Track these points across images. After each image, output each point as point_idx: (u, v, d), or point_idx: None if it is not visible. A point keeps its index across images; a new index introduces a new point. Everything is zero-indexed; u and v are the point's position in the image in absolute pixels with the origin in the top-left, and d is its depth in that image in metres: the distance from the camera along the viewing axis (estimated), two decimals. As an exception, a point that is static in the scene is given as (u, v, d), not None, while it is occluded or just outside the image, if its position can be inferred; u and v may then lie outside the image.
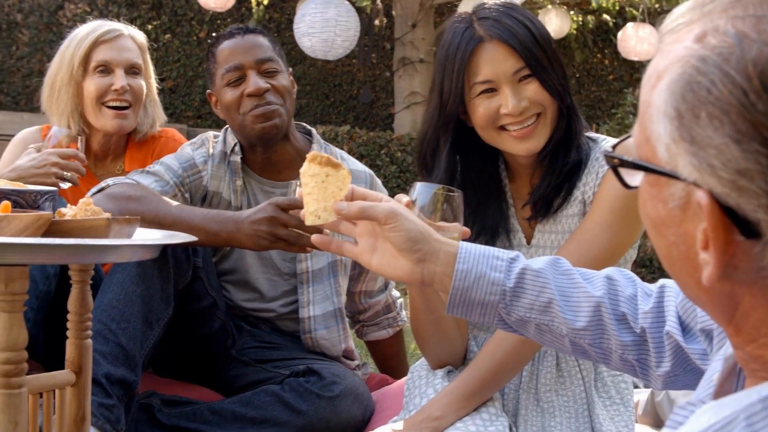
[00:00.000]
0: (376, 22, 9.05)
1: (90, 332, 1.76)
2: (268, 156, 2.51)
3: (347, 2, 7.05)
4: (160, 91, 2.94)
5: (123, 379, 2.07)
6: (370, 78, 9.97)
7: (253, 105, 2.41)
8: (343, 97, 9.95)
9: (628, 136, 1.49)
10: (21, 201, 1.60)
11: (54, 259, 1.35)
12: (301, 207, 2.00)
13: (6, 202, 1.46)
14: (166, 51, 8.83)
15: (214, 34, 2.61)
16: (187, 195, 2.45)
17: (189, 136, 8.30)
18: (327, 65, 9.72)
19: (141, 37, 2.88)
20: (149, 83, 2.88)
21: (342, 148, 7.63)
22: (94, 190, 2.26)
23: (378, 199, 1.35)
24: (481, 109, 1.86)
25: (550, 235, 1.96)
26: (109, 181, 2.29)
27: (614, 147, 1.77)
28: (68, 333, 1.74)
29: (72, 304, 1.74)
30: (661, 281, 1.35)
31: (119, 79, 2.71)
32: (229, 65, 2.45)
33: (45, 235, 1.51)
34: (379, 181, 2.68)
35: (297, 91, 2.63)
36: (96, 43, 2.74)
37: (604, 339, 1.32)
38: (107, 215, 1.58)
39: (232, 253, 2.54)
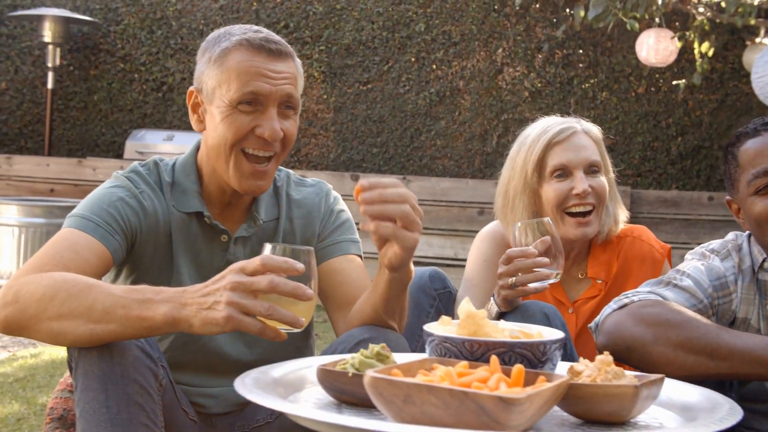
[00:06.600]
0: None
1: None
2: None
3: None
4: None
5: None
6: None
7: None
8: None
9: None
10: (529, 355, 1.37)
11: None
12: None
13: (519, 368, 1.23)
14: (603, 109, 8.57)
15: (738, 132, 2.18)
16: (713, 319, 2.06)
17: (633, 198, 7.96)
18: (780, 114, 8.80)
19: (595, 130, 2.61)
20: (609, 178, 2.60)
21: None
22: (612, 306, 1.98)
23: None
24: None
25: None
26: (626, 299, 1.98)
27: None
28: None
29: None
30: None
31: (580, 182, 2.46)
32: (757, 170, 2.04)
33: (559, 401, 1.28)
34: None
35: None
36: (549, 146, 2.50)
37: None
38: (633, 380, 1.30)
39: None
